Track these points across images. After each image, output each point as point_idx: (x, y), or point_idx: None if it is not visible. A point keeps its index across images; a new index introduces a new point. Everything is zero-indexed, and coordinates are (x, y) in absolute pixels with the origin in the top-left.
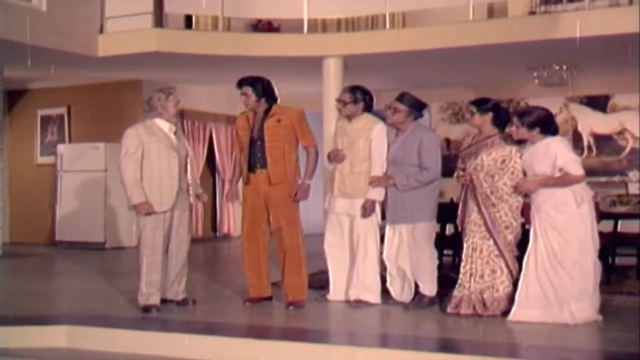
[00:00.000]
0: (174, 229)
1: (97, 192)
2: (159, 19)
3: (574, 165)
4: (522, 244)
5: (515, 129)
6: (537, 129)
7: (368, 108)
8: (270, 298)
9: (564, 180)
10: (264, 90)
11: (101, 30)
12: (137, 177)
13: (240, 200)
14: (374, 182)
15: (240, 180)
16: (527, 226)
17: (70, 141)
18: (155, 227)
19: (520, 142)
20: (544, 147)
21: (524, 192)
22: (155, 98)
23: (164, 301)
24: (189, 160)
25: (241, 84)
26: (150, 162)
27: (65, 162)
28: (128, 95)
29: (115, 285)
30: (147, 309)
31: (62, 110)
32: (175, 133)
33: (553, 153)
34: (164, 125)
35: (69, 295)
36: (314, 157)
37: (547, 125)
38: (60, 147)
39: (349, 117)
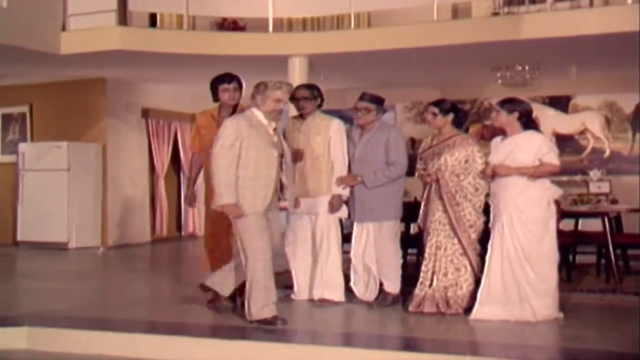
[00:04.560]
0: None
1: (60, 192)
2: (123, 17)
3: (552, 155)
4: (484, 241)
5: (496, 114)
6: (516, 114)
7: (320, 105)
8: (233, 298)
9: (540, 170)
10: (241, 86)
11: (64, 28)
12: (232, 175)
13: (199, 201)
14: (341, 181)
15: (199, 181)
16: (489, 224)
17: (32, 140)
18: (260, 228)
19: (493, 137)
20: (525, 138)
21: (497, 175)
22: (261, 87)
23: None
24: (284, 161)
25: (232, 79)
26: (248, 159)
27: (27, 161)
28: (91, 94)
29: (78, 285)
30: (266, 322)
31: (24, 109)
32: (274, 130)
33: (537, 142)
34: (263, 119)
35: (30, 296)
36: None
37: (527, 116)
38: (22, 146)
39: (304, 116)
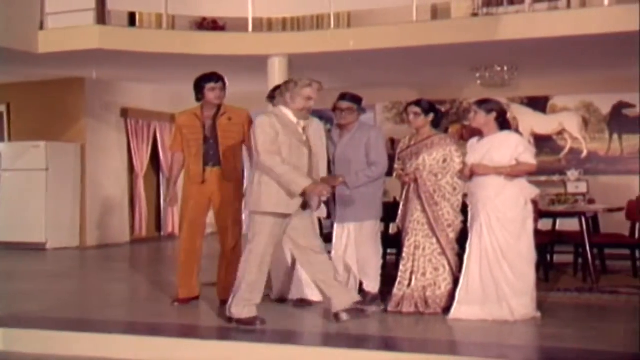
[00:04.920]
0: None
1: (38, 192)
2: (102, 16)
3: (529, 155)
4: (462, 241)
5: (474, 115)
6: (494, 114)
7: None
8: (197, 298)
9: (517, 169)
10: (225, 86)
11: (41, 27)
12: (286, 164)
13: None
14: (324, 183)
15: (178, 181)
16: (467, 224)
17: (10, 140)
18: (272, 232)
19: (471, 137)
20: (502, 138)
21: (474, 175)
22: (290, 85)
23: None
24: (314, 161)
25: (219, 78)
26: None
27: (4, 161)
28: (70, 93)
29: (55, 286)
30: (245, 322)
31: (1, 108)
32: (304, 129)
33: (514, 142)
34: (293, 117)
35: (6, 297)
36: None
37: (503, 116)
38: (0, 146)
39: None
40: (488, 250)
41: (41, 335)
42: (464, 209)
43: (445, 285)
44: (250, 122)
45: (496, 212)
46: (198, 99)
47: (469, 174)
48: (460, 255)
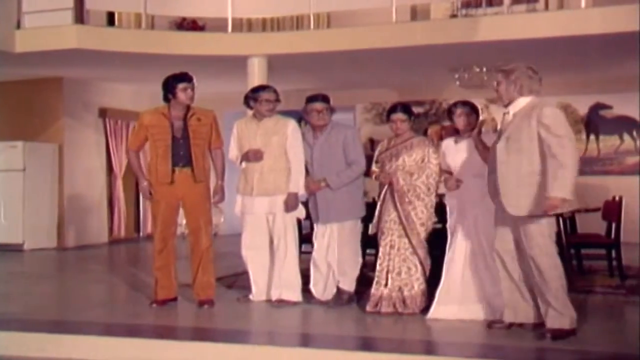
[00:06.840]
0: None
1: (15, 192)
2: (80, 15)
3: None
4: (439, 242)
5: (466, 118)
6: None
7: None
8: (175, 299)
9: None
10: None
11: (18, 26)
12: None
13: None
14: (305, 188)
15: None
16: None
17: None
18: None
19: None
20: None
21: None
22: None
23: None
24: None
25: (191, 78)
26: (531, 152)
27: None
28: (48, 93)
29: (33, 288)
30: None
31: None
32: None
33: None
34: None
35: None
36: (223, 159)
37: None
38: None
39: (259, 117)
40: (475, 250)
41: (19, 338)
42: (443, 211)
43: (418, 285)
44: (216, 123)
45: (485, 211)
46: (166, 99)
47: (454, 186)
48: (433, 255)
